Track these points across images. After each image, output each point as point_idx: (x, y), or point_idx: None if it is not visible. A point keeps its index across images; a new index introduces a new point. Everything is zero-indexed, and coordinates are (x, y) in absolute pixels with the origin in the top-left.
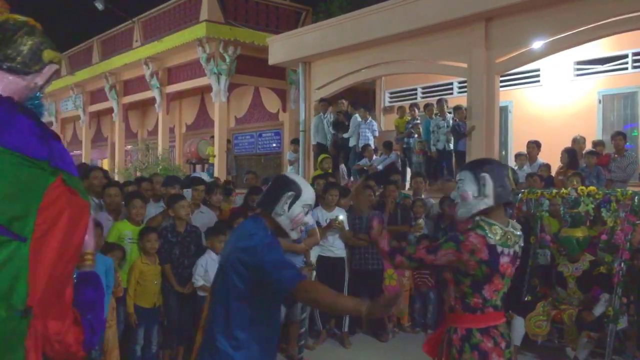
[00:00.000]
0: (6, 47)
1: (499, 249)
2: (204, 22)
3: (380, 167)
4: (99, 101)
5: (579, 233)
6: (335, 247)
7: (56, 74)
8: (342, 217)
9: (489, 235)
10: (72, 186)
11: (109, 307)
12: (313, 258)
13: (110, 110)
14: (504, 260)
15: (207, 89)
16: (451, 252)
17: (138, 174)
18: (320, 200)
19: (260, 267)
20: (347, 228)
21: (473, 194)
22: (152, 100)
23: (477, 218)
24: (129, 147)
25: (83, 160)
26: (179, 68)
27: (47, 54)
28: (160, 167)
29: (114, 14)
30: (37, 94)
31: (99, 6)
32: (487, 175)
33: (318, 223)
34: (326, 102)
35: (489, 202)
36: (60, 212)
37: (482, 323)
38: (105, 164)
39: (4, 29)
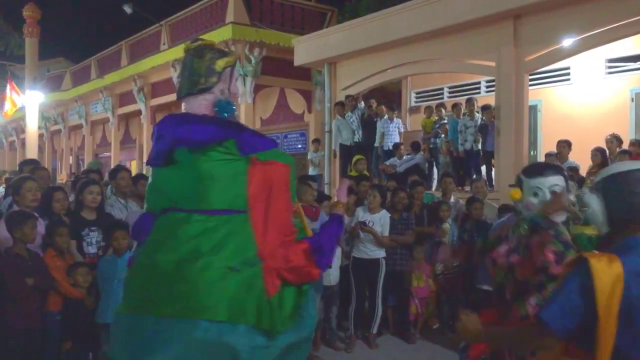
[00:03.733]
0: (191, 75)
1: None
2: (230, 24)
3: (400, 169)
4: (127, 104)
5: (590, 230)
6: (369, 249)
7: (235, 73)
8: (373, 222)
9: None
10: (268, 159)
11: None
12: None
13: (138, 113)
14: None
15: None
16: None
17: None
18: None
19: None
20: (386, 233)
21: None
22: (179, 103)
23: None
24: None
25: (112, 162)
26: None
27: (218, 65)
28: None
29: (142, 17)
30: (225, 97)
31: (128, 10)
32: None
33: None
34: (354, 99)
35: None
36: (267, 181)
37: None
38: (134, 166)
39: (187, 62)
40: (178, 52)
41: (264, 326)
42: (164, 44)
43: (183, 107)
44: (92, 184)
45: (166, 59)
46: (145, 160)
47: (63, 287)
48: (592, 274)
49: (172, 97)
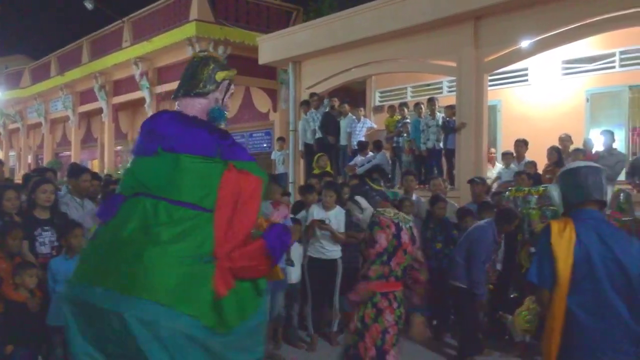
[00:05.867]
0: (192, 79)
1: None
2: (194, 21)
3: (360, 169)
4: (88, 102)
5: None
6: (327, 249)
7: (231, 87)
8: (329, 219)
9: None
10: (245, 169)
11: None
12: (294, 255)
13: (99, 111)
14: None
15: None
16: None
17: None
18: (311, 199)
19: None
20: (342, 229)
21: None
22: (142, 101)
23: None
24: (119, 147)
25: (73, 161)
26: (169, 68)
27: (219, 75)
28: None
29: (103, 13)
30: (218, 106)
31: (89, 6)
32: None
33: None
34: (318, 98)
35: None
36: (238, 188)
37: (385, 288)
38: (95, 165)
39: (191, 67)
40: (140, 49)
41: (207, 323)
42: (126, 40)
43: (177, 105)
44: (46, 182)
45: (128, 56)
46: (107, 160)
47: (4, 290)
48: (551, 231)
49: (135, 94)
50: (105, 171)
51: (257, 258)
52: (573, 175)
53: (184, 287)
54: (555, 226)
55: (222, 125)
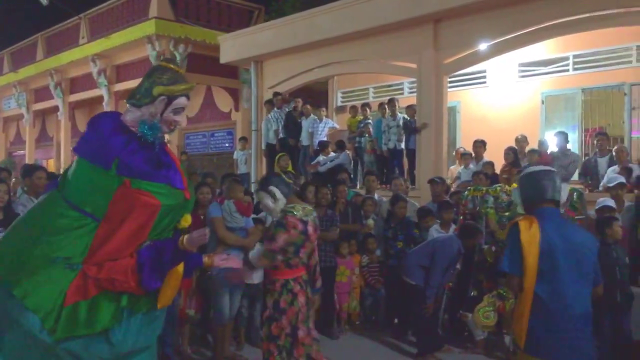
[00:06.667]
0: (136, 88)
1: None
2: (154, 19)
3: (322, 168)
4: (43, 99)
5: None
6: None
7: (177, 103)
8: None
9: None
10: (142, 189)
11: None
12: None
13: (55, 109)
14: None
15: None
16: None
17: None
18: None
19: None
20: None
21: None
22: (100, 99)
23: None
24: None
25: (27, 161)
26: (128, 66)
27: (156, 90)
28: None
29: (59, 9)
30: (153, 120)
31: (44, 1)
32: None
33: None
34: (282, 97)
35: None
36: (131, 206)
37: (295, 274)
38: (51, 165)
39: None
40: (98, 46)
41: (47, 326)
42: (83, 37)
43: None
44: None
45: (85, 53)
46: (63, 159)
47: None
48: (519, 229)
49: (93, 92)
50: (62, 171)
51: (123, 273)
52: (531, 179)
53: (41, 287)
54: (522, 224)
55: (152, 140)
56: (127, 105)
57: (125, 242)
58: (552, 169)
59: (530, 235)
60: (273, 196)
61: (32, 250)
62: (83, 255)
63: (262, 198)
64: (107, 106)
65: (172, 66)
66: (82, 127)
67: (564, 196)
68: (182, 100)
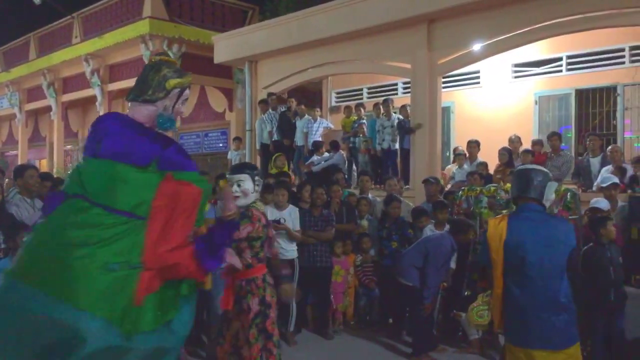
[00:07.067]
0: (143, 84)
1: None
2: (147, 18)
3: (315, 168)
4: (36, 99)
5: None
6: (284, 249)
7: (184, 94)
8: (284, 218)
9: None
10: (184, 179)
11: None
12: None
13: (48, 109)
14: None
15: None
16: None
17: None
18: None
19: None
20: (297, 227)
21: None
22: (93, 99)
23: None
24: (69, 147)
25: (19, 161)
26: (122, 65)
27: (169, 83)
28: None
29: (52, 8)
30: (167, 113)
31: (36, 0)
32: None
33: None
34: (277, 98)
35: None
36: (177, 198)
37: (265, 268)
38: (44, 165)
39: (144, 71)
40: (91, 45)
41: (124, 330)
42: (76, 37)
43: (128, 108)
44: None
45: (78, 52)
46: (56, 159)
47: None
48: (488, 227)
49: (86, 92)
50: (55, 171)
51: (187, 258)
52: (515, 176)
53: (106, 293)
54: (491, 222)
55: (170, 133)
56: (133, 103)
57: (180, 233)
58: (539, 167)
59: (496, 232)
60: (256, 186)
61: (81, 263)
62: (139, 254)
63: (246, 180)
64: (100, 106)
65: (173, 60)
66: (75, 127)
67: (550, 194)
68: (188, 91)
